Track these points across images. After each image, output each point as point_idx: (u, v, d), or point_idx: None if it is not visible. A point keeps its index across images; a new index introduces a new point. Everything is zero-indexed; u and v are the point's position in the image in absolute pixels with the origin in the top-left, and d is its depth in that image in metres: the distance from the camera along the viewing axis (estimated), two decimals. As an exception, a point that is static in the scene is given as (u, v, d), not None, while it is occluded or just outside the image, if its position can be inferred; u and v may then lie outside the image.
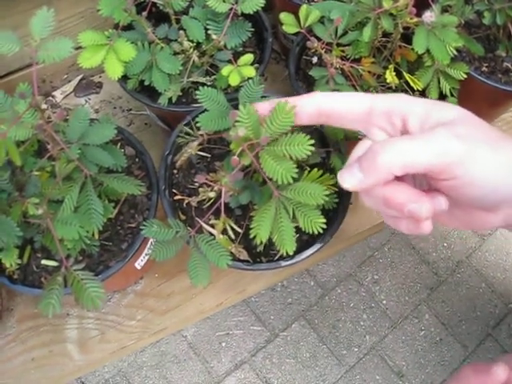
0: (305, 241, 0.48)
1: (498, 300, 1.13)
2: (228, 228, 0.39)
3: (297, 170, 0.35)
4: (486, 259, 1.17)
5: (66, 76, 0.69)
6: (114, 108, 0.68)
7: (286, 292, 1.13)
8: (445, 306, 1.13)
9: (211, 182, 0.40)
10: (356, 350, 1.09)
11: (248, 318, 1.10)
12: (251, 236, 0.37)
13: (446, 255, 1.18)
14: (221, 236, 0.41)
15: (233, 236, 0.42)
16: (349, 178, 0.31)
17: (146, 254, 0.51)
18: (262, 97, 0.45)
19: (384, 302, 1.13)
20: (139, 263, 0.51)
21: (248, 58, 0.48)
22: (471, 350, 1.08)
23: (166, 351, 1.07)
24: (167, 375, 1.06)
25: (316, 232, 0.37)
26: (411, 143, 0.29)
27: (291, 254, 0.38)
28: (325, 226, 0.37)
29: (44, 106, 0.37)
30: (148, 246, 0.50)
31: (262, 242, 0.44)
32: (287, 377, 1.06)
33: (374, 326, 1.11)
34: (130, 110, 0.67)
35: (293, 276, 1.13)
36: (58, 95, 0.69)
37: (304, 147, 0.35)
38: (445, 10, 0.55)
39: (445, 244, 1.19)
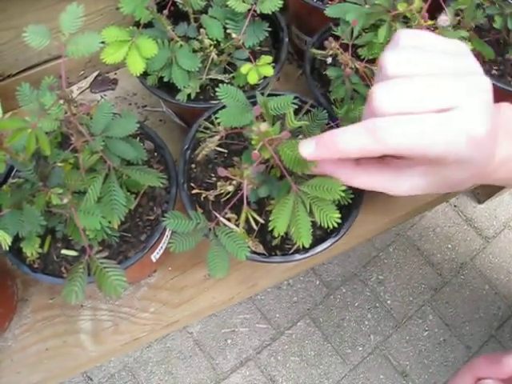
0: (318, 236, 0.49)
1: (502, 302, 1.14)
2: (250, 218, 0.40)
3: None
4: (490, 261, 1.19)
5: (82, 72, 0.70)
6: (130, 104, 0.69)
7: (291, 290, 1.14)
8: (448, 307, 1.14)
9: (231, 175, 0.41)
10: (360, 349, 1.10)
11: (254, 316, 1.11)
12: (269, 228, 0.38)
13: (451, 257, 1.19)
14: (238, 229, 0.43)
15: (254, 226, 0.43)
16: (305, 148, 0.34)
17: (161, 247, 0.52)
18: (277, 95, 0.46)
19: (388, 302, 1.14)
20: (155, 256, 0.52)
21: (267, 58, 0.49)
22: (474, 351, 1.09)
23: (171, 347, 1.08)
24: (173, 371, 1.07)
25: (331, 226, 0.38)
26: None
27: (307, 246, 0.39)
28: (339, 221, 0.38)
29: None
30: (164, 238, 0.51)
31: (278, 236, 0.45)
32: (292, 374, 1.07)
33: (379, 325, 1.12)
34: (145, 106, 0.69)
35: (298, 275, 1.14)
36: (74, 91, 0.70)
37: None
38: (456, 13, 0.56)
39: (449, 246, 1.20)
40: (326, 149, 0.33)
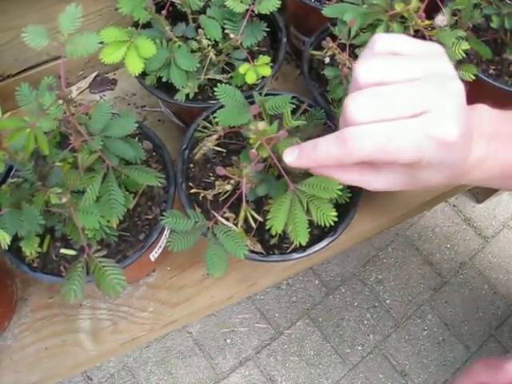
0: (316, 236, 0.49)
1: (501, 301, 1.14)
2: (249, 216, 0.41)
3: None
4: (489, 261, 1.19)
5: (81, 72, 0.71)
6: (128, 104, 0.69)
7: (290, 290, 1.14)
8: (448, 307, 1.14)
9: (230, 175, 0.41)
10: (359, 348, 1.10)
11: (253, 316, 1.11)
12: (267, 227, 0.38)
13: (450, 256, 1.19)
14: (236, 228, 0.43)
15: (253, 225, 0.43)
16: (288, 156, 0.36)
17: (160, 246, 0.52)
18: (275, 95, 0.47)
19: (387, 301, 1.14)
20: (153, 255, 0.52)
21: (265, 58, 0.49)
22: (473, 351, 1.10)
23: (171, 347, 1.09)
24: (172, 371, 1.07)
25: (328, 224, 0.38)
26: None
27: (304, 245, 0.39)
28: (336, 219, 0.39)
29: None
30: (163, 238, 0.52)
31: (275, 235, 0.45)
32: (291, 374, 1.07)
33: (378, 325, 1.12)
34: (144, 106, 0.69)
35: (298, 275, 1.14)
36: (74, 91, 0.71)
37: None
38: (453, 13, 0.56)
39: (448, 245, 1.21)
40: (307, 158, 0.35)
